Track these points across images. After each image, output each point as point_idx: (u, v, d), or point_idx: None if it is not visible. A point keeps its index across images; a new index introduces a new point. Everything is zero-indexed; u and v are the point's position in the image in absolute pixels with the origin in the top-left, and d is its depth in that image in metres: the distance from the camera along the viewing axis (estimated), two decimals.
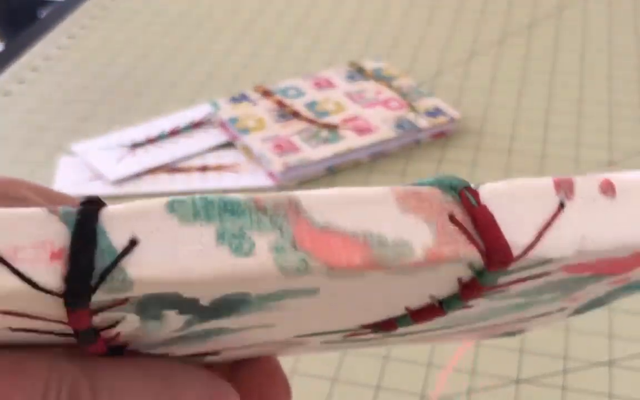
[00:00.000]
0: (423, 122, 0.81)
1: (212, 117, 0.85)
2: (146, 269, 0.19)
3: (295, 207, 0.20)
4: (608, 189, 0.23)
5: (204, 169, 0.79)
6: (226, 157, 0.81)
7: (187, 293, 0.20)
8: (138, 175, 0.78)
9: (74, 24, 1.06)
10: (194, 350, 0.26)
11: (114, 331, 0.22)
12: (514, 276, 0.23)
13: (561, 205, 0.22)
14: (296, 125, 0.82)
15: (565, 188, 0.22)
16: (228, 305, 0.21)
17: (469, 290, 0.23)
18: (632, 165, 0.78)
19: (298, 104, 0.85)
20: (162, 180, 0.77)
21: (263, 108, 0.84)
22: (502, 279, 0.22)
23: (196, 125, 0.85)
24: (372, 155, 0.80)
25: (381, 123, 0.81)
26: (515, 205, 0.22)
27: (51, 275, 0.18)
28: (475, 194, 0.21)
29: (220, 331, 0.24)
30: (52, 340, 0.22)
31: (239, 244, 0.19)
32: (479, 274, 0.22)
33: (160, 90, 0.92)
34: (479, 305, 0.26)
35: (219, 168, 0.79)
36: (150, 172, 0.79)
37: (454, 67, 0.95)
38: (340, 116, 0.83)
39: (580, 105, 0.87)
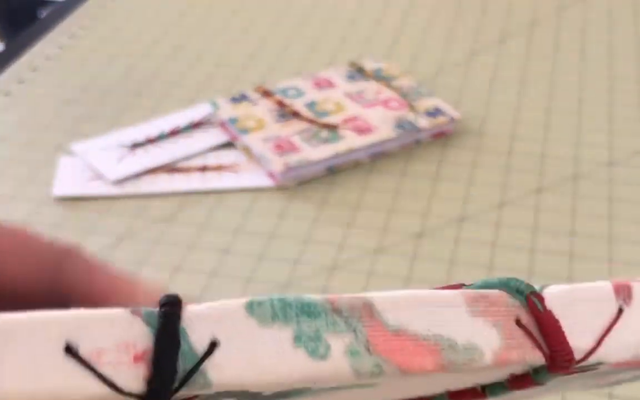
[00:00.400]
0: (423, 122, 0.81)
1: (212, 117, 0.85)
2: (226, 373, 0.19)
3: (369, 309, 0.21)
4: None
5: (204, 169, 0.79)
6: (226, 157, 0.81)
7: (256, 390, 0.20)
8: (138, 175, 0.78)
9: (74, 24, 1.06)
10: None
11: None
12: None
13: (620, 311, 0.23)
14: (296, 125, 0.82)
15: (624, 293, 0.23)
16: (287, 395, 0.22)
17: (519, 383, 0.23)
18: (632, 165, 0.78)
19: (298, 104, 0.85)
20: (162, 180, 0.78)
21: (263, 108, 0.84)
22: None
23: (196, 125, 0.85)
24: (372, 155, 0.80)
25: (381, 123, 0.81)
26: (577, 309, 0.22)
27: (133, 378, 0.18)
28: (541, 298, 0.22)
29: None
30: None
31: (315, 347, 0.20)
32: (536, 372, 0.22)
33: (160, 90, 0.92)
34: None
35: (219, 168, 0.79)
36: (150, 172, 0.79)
37: (454, 67, 0.95)
38: (340, 116, 0.83)
39: (580, 105, 0.87)
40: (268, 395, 0.21)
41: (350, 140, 0.79)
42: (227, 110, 0.84)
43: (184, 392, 0.19)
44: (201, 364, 0.19)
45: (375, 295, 0.21)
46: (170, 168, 0.79)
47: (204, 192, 0.76)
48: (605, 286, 0.23)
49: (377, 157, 0.80)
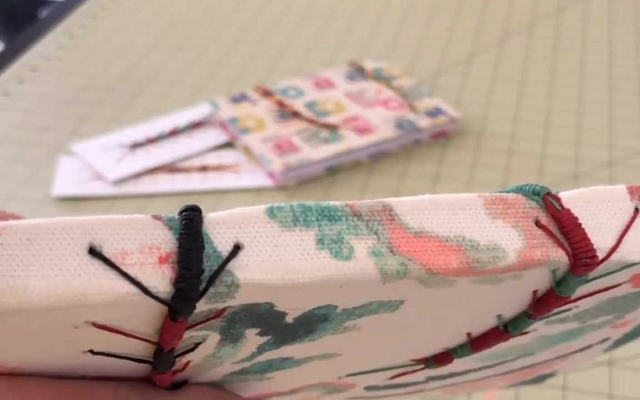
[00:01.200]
0: (423, 122, 0.81)
1: (212, 117, 0.85)
2: (253, 273, 0.19)
3: (389, 213, 0.21)
4: None
5: (203, 169, 0.79)
6: (226, 157, 0.81)
7: (281, 304, 0.20)
8: (138, 175, 0.78)
9: (74, 24, 1.06)
10: (246, 393, 0.27)
11: (185, 359, 0.22)
12: (586, 288, 0.23)
13: (636, 210, 0.23)
14: (296, 125, 0.82)
15: (638, 194, 0.23)
16: (309, 323, 0.21)
17: (542, 304, 0.23)
18: (632, 165, 0.78)
19: (298, 104, 0.85)
20: (162, 180, 0.77)
21: (263, 108, 0.84)
22: (577, 290, 0.23)
23: (196, 125, 0.85)
24: (372, 155, 0.80)
25: (381, 123, 0.81)
26: (593, 210, 0.22)
27: (160, 279, 0.18)
28: (557, 199, 0.22)
29: (283, 362, 0.24)
30: (124, 369, 0.22)
31: (338, 249, 0.20)
32: (558, 283, 0.22)
33: (160, 90, 0.92)
34: (536, 331, 0.26)
35: (219, 168, 0.79)
36: (150, 172, 0.79)
37: (454, 67, 0.95)
38: (340, 116, 0.83)
39: (580, 105, 0.87)
40: (291, 324, 0.21)
41: (350, 140, 0.79)
42: (227, 110, 0.84)
43: (210, 300, 0.19)
44: (227, 264, 0.19)
45: (394, 200, 0.21)
46: (170, 168, 0.79)
47: (204, 192, 0.76)
48: (619, 188, 0.23)
49: (377, 157, 0.80)
